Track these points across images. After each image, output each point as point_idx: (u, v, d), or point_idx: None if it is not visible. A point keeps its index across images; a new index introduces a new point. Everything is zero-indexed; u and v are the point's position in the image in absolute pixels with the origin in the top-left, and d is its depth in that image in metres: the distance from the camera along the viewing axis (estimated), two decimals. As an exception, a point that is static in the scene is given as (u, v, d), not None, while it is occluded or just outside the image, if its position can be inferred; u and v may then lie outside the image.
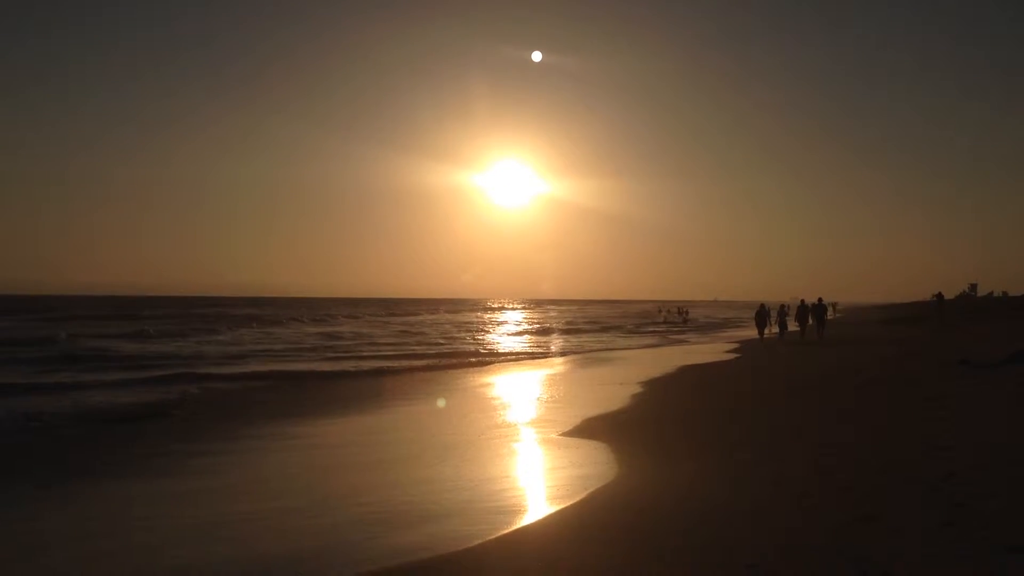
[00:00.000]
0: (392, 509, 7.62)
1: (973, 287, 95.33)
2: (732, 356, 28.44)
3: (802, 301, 35.29)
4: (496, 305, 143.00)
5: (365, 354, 31.10)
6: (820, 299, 35.35)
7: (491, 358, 30.46)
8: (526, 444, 11.41)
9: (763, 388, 17.37)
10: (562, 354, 33.00)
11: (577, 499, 7.80)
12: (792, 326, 35.51)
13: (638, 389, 17.56)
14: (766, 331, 35.81)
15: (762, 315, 35.44)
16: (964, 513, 6.11)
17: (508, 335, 47.34)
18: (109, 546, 6.76)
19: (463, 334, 47.40)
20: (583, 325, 64.30)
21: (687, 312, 77.90)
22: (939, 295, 49.68)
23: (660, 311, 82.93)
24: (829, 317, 36.69)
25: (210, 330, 45.68)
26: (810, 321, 34.48)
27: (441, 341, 39.92)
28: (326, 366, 25.68)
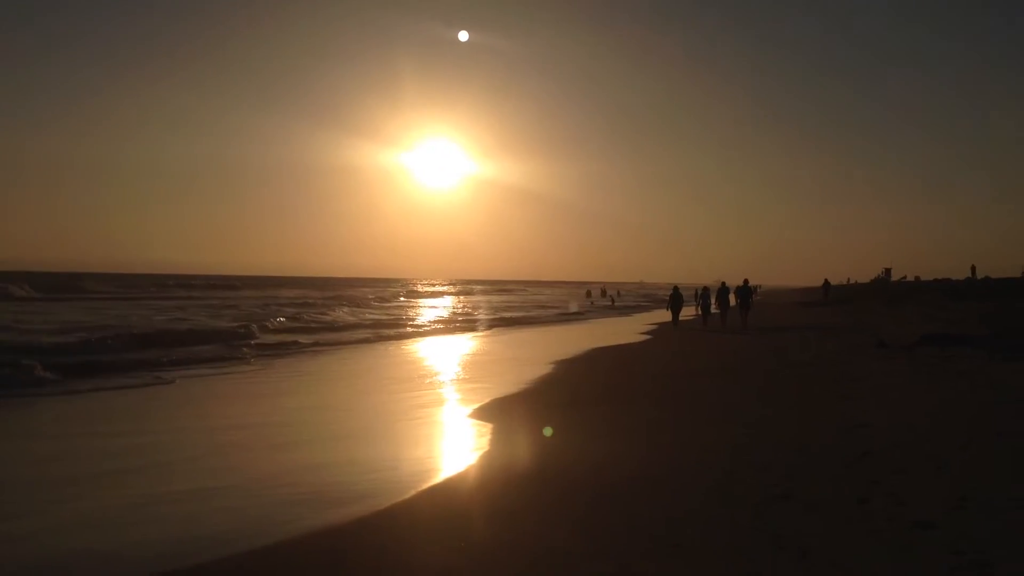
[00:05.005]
0: (317, 490, 7.66)
1: (887, 272, 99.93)
2: (645, 338, 29.09)
3: (723, 283, 35.55)
4: (425, 287, 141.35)
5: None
6: (746, 281, 34.59)
7: (417, 334, 31.38)
8: (441, 425, 11.73)
9: (679, 371, 17.86)
10: (481, 334, 33.25)
11: (493, 480, 7.90)
12: (714, 309, 35.26)
13: (550, 370, 17.84)
14: (681, 314, 35.88)
15: (676, 299, 34.71)
16: (878, 490, 6.47)
17: (434, 313, 47.85)
18: (21, 528, 6.59)
19: (393, 314, 46.98)
20: (506, 305, 64.99)
21: (616, 293, 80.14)
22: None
23: (589, 293, 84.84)
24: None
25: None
26: (732, 303, 34.28)
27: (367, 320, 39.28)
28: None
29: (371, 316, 42.72)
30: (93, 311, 39.43)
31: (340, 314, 41.99)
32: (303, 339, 26.91)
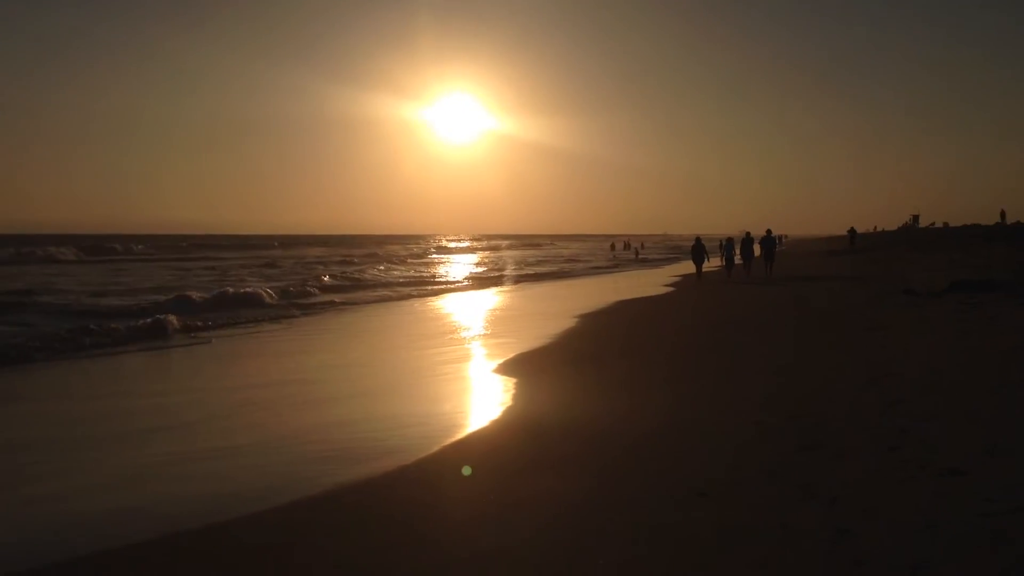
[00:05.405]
0: (345, 446, 7.73)
1: (915, 218, 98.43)
2: (669, 291, 28.92)
3: (747, 234, 35.24)
4: (451, 242, 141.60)
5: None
6: (769, 231, 34.23)
7: (454, 289, 32.40)
8: (467, 380, 11.80)
9: (703, 323, 17.77)
10: (510, 289, 33.74)
11: (519, 434, 7.92)
12: (738, 261, 34.86)
13: (574, 324, 17.83)
14: (705, 265, 35.40)
15: (698, 250, 33.83)
16: (908, 439, 6.40)
17: (467, 269, 49.20)
18: (59, 487, 6.74)
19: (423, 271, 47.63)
20: (536, 259, 66.01)
21: (640, 246, 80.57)
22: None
23: (613, 247, 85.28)
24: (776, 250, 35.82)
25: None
26: (756, 254, 34.06)
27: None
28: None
29: (411, 273, 43.61)
30: (138, 273, 40.15)
31: (379, 271, 42.81)
32: (350, 297, 27.63)
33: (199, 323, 18.57)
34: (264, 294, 25.21)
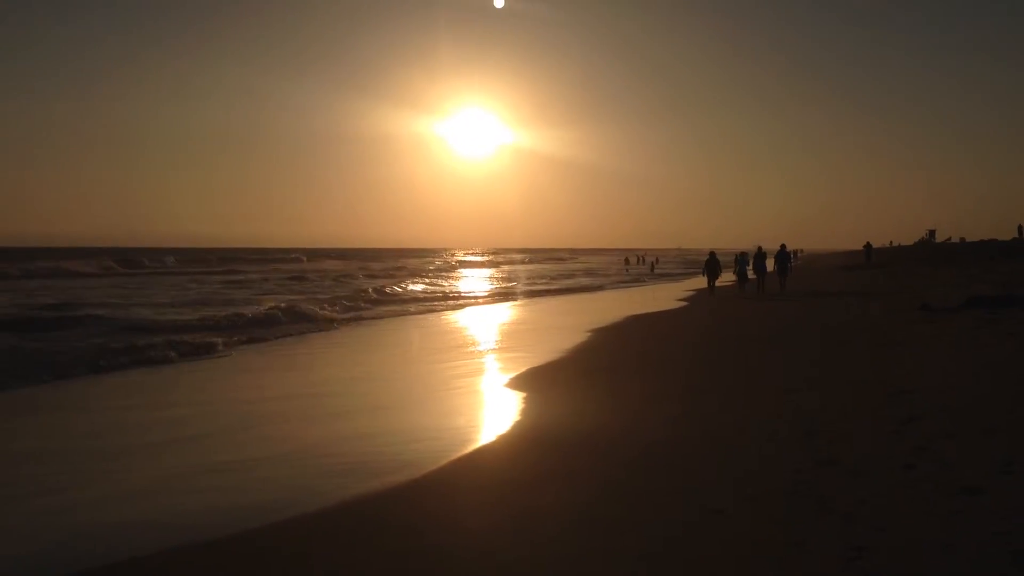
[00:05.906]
0: (360, 459, 7.74)
1: (932, 233, 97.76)
2: (682, 305, 28.84)
3: (759, 248, 34.96)
4: (470, 256, 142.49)
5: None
6: (783, 245, 33.64)
7: (459, 303, 32.69)
8: (479, 395, 11.81)
9: (716, 337, 17.70)
10: (530, 302, 34.05)
11: (530, 447, 7.92)
12: (751, 276, 34.49)
13: (587, 338, 17.83)
14: (719, 280, 35.07)
15: (712, 265, 33.44)
16: (924, 456, 6.34)
17: (475, 281, 50.76)
18: (77, 498, 6.81)
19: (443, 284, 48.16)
20: (555, 273, 66.63)
21: (655, 260, 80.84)
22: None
23: (627, 261, 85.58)
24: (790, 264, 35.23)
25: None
26: (770, 269, 33.78)
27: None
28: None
29: (446, 287, 44.13)
30: (180, 287, 40.56)
31: (413, 285, 43.14)
32: (396, 310, 28.16)
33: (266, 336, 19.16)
34: (315, 309, 24.82)
